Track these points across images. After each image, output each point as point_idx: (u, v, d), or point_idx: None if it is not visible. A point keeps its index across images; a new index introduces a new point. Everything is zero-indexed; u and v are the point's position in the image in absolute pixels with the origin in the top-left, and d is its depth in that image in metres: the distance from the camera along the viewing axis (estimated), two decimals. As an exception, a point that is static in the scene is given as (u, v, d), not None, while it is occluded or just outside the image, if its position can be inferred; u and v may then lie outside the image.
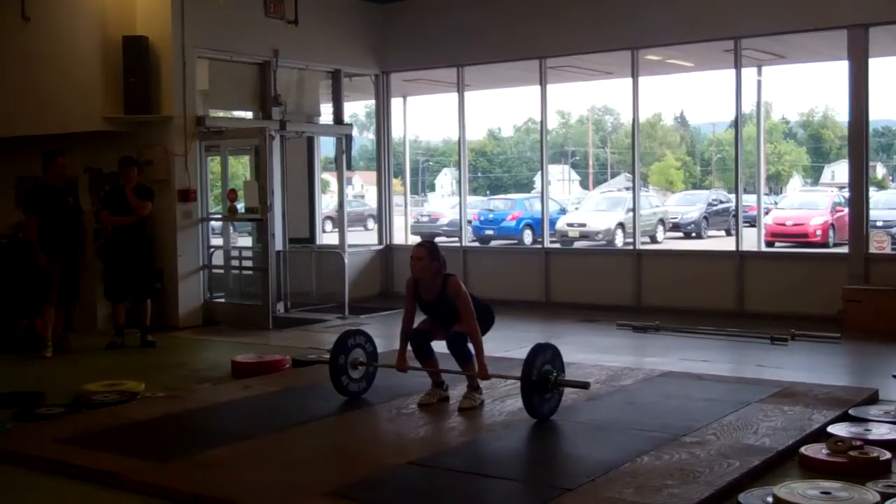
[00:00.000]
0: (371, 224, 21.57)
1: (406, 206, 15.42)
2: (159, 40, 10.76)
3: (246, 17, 11.58)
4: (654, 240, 22.95)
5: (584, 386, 6.31)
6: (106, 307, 10.06)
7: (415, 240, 14.88)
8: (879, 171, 42.45)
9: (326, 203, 19.07)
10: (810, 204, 22.15)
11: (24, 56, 11.30)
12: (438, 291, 6.41)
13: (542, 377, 6.00)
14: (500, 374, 6.52)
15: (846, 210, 11.89)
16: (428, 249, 6.46)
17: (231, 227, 12.51)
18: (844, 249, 11.24)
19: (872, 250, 10.53)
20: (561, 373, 6.16)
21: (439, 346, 6.60)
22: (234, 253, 12.23)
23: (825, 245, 19.55)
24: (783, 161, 47.30)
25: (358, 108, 28.52)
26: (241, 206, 11.62)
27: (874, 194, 17.39)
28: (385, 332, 10.62)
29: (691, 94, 65.54)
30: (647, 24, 11.51)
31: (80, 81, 10.77)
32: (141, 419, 6.33)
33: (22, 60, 11.33)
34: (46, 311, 9.16)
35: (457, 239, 14.39)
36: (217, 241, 12.24)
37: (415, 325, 6.62)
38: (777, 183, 45.75)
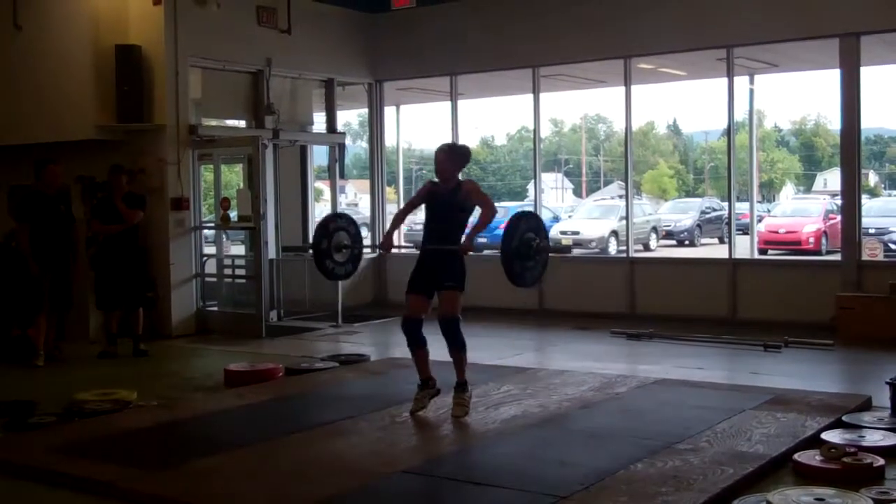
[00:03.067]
0: (364, 232, 21.54)
1: (399, 215, 15.37)
2: (152, 49, 10.75)
3: (239, 25, 11.59)
4: (647, 248, 23.01)
5: (566, 251, 6.32)
6: (98, 316, 10.02)
7: (408, 246, 14.87)
8: (872, 178, 42.64)
9: (320, 211, 18.98)
10: (803, 211, 22.24)
11: (17, 64, 11.28)
12: (451, 191, 6.40)
13: (525, 244, 5.98)
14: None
15: (839, 217, 11.92)
16: (449, 146, 6.66)
17: (224, 236, 12.49)
18: (837, 257, 11.27)
19: (865, 257, 10.55)
20: (544, 241, 6.14)
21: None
22: (227, 261, 12.19)
23: (818, 252, 19.59)
24: (776, 169, 47.46)
25: (351, 117, 28.60)
26: (233, 214, 11.61)
27: (866, 202, 17.47)
28: (379, 340, 10.63)
29: (684, 102, 65.84)
30: (639, 33, 11.54)
31: (73, 90, 10.76)
32: (133, 428, 6.30)
33: (14, 69, 11.31)
34: (38, 320, 9.13)
35: (450, 247, 14.36)
36: (210, 249, 12.22)
37: (406, 313, 6.50)
38: (770, 191, 45.88)
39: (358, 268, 6.97)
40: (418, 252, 6.62)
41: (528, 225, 6.17)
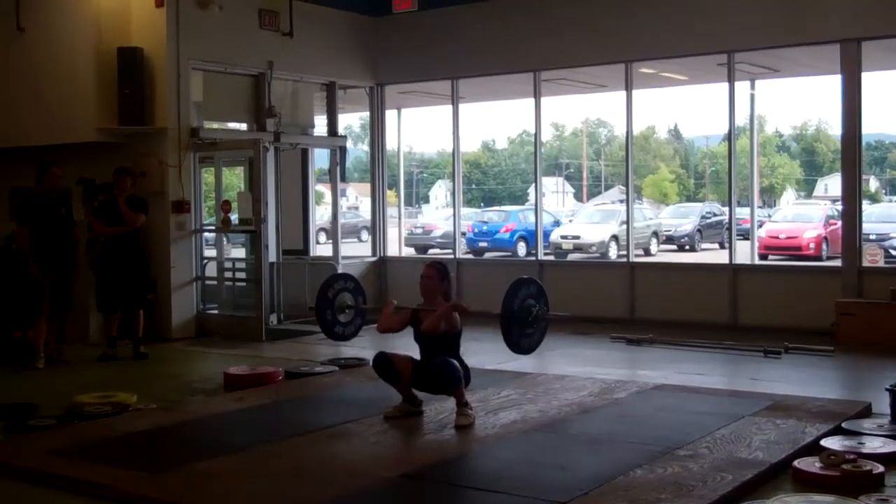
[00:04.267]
0: (365, 236, 21.58)
1: (400, 218, 15.40)
2: (154, 52, 10.77)
3: (241, 28, 11.61)
4: (647, 252, 22.99)
5: (564, 318, 6.39)
6: (99, 318, 10.03)
7: (408, 251, 14.92)
8: (872, 184, 42.60)
9: (320, 214, 19.07)
10: (804, 217, 22.22)
11: (19, 67, 11.30)
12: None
13: (524, 310, 5.97)
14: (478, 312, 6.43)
15: (839, 223, 11.93)
16: (437, 270, 6.54)
17: (225, 239, 12.49)
18: (838, 263, 11.26)
19: (865, 263, 10.55)
20: (544, 308, 6.13)
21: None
22: (228, 264, 12.20)
23: (818, 258, 19.58)
24: (777, 174, 47.46)
25: (352, 120, 28.60)
26: (234, 217, 11.61)
27: (867, 207, 17.47)
28: (378, 345, 10.60)
29: (685, 107, 65.80)
30: (640, 38, 11.55)
31: (75, 92, 10.77)
32: (133, 431, 6.30)
33: (16, 71, 11.33)
34: (39, 323, 9.14)
35: (451, 251, 14.39)
36: (210, 252, 12.23)
37: (388, 352, 6.59)
38: (770, 196, 45.87)
39: (364, 323, 7.17)
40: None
41: (529, 291, 6.16)
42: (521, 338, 6.12)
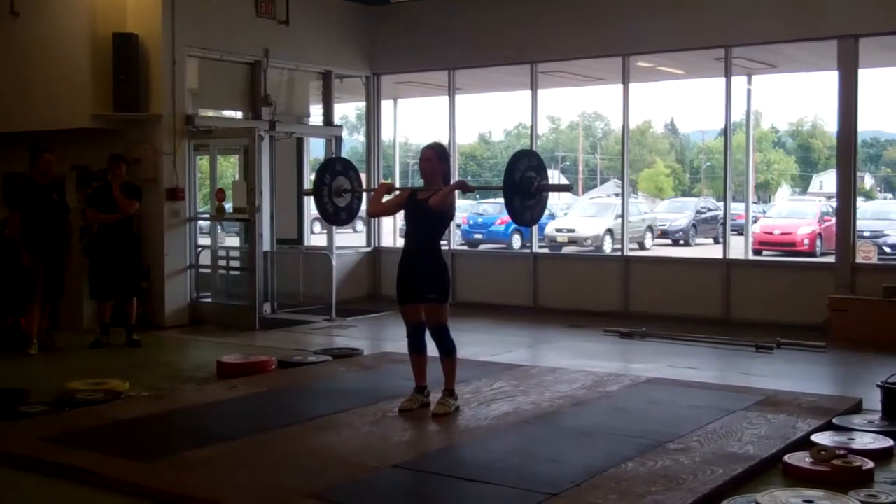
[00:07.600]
0: (360, 226, 21.53)
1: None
2: (149, 38, 10.72)
3: (237, 16, 11.57)
4: (642, 246, 23.02)
5: (567, 188, 6.40)
6: (92, 305, 10.01)
7: (402, 242, 14.90)
8: (867, 181, 42.71)
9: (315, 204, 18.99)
10: (798, 213, 22.27)
11: (13, 52, 11.24)
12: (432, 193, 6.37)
13: (525, 182, 6.00)
14: (482, 186, 6.54)
15: (833, 220, 11.94)
16: (436, 151, 6.51)
17: (219, 227, 12.47)
18: (831, 259, 11.29)
19: (859, 260, 10.57)
20: (545, 180, 6.16)
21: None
22: (222, 253, 12.18)
23: (812, 254, 19.63)
24: (772, 170, 47.53)
25: (348, 110, 28.57)
26: (229, 206, 11.58)
27: (862, 204, 17.46)
28: (372, 335, 10.63)
29: (682, 101, 65.81)
30: (638, 32, 11.53)
31: (69, 78, 10.72)
32: (125, 418, 6.30)
33: (10, 56, 11.27)
34: (31, 309, 9.11)
35: (445, 242, 14.36)
36: (204, 240, 12.20)
37: (406, 321, 6.48)
38: (766, 192, 45.94)
39: (359, 211, 7.24)
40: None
41: (530, 163, 6.18)
42: (524, 210, 6.12)
